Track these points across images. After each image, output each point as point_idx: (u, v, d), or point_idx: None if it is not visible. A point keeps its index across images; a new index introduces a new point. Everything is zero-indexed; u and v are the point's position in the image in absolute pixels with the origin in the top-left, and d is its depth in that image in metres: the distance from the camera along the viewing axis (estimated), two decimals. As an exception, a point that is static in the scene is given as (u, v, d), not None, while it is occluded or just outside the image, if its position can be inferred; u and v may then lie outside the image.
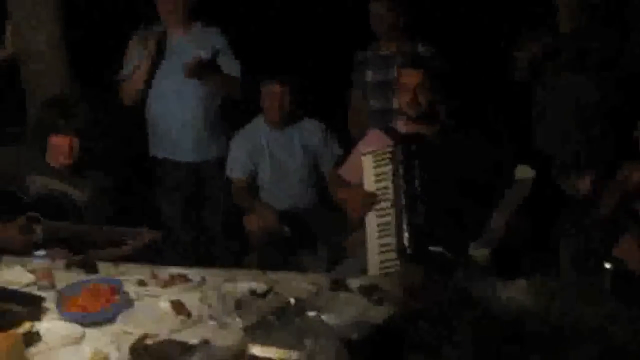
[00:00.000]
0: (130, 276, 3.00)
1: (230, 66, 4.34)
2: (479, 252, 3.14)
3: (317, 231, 4.22)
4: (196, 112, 4.32)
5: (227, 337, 2.45)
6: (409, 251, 3.23)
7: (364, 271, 3.30)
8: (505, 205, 3.21)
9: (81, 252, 3.38)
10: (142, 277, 2.97)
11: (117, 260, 3.29)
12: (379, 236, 3.37)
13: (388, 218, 3.35)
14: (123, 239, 3.52)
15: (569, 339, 2.27)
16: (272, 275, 2.94)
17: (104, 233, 3.53)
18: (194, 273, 2.99)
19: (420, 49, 4.15)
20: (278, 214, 4.14)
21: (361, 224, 4.00)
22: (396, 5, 4.16)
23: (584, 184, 3.24)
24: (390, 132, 3.56)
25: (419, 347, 2.20)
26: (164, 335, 2.48)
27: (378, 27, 4.22)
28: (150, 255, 3.58)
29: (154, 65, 4.27)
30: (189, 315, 2.62)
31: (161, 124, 4.38)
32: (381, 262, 3.32)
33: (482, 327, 2.27)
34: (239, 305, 2.62)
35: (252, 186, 4.30)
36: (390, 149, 3.40)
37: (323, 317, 2.45)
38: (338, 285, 2.76)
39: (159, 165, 4.44)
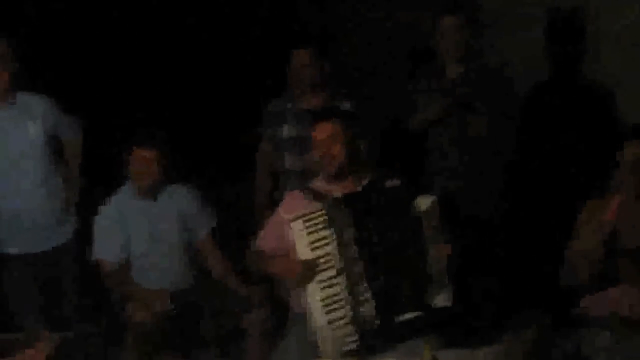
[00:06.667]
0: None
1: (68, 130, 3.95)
2: (439, 298, 2.97)
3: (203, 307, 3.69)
4: (35, 195, 3.80)
5: None
6: (376, 324, 2.94)
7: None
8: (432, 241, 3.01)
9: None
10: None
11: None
12: (326, 311, 2.97)
13: (336, 289, 2.98)
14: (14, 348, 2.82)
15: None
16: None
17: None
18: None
19: (345, 105, 3.75)
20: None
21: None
22: (321, 57, 3.80)
23: None
24: (313, 193, 3.16)
25: None
26: None
27: (301, 78, 3.78)
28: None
29: None
30: None
31: None
32: (334, 339, 2.93)
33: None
34: None
35: (126, 268, 3.69)
36: (323, 212, 3.01)
37: None
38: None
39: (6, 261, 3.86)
